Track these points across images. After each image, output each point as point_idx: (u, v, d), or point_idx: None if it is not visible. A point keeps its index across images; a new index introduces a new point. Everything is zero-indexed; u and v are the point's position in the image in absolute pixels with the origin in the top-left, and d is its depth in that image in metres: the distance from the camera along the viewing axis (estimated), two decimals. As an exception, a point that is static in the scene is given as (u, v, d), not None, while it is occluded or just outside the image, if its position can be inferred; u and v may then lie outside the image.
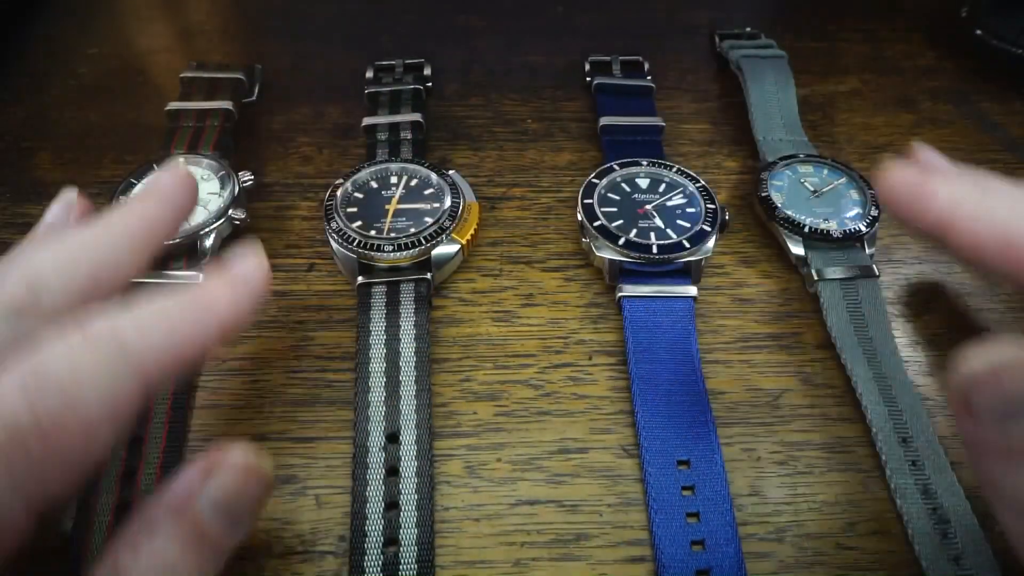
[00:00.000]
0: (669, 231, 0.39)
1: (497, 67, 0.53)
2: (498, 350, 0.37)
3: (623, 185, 0.41)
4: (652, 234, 0.39)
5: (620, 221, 0.39)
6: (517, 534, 0.31)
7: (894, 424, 0.34)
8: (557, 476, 0.33)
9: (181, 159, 0.41)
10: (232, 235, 0.40)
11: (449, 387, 0.36)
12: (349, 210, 0.40)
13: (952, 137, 0.48)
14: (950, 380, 0.23)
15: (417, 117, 0.45)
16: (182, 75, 0.47)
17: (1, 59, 0.52)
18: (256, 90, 0.49)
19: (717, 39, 0.53)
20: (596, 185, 0.41)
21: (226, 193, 0.40)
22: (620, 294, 0.38)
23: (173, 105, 0.45)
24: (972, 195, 0.27)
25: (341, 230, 0.38)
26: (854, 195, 0.41)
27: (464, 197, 0.41)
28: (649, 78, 0.50)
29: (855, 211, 0.40)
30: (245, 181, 0.41)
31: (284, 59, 0.53)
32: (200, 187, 0.38)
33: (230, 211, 0.39)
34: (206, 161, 0.41)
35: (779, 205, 0.40)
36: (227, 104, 0.45)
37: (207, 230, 0.38)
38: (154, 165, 0.41)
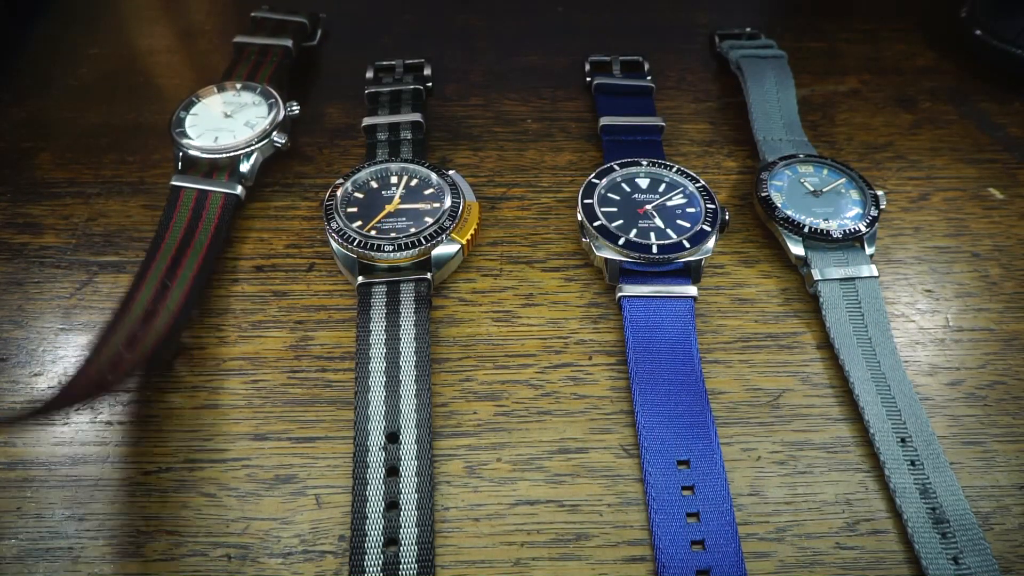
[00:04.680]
0: (669, 231, 0.39)
1: (497, 67, 0.53)
2: (498, 350, 0.37)
3: (623, 185, 0.41)
4: (652, 234, 0.39)
5: (620, 221, 0.39)
6: (517, 534, 0.31)
7: (892, 424, 0.34)
8: (557, 476, 0.33)
9: (238, 84, 0.46)
10: (273, 156, 0.44)
11: (449, 387, 0.36)
12: (349, 210, 0.40)
13: (952, 137, 0.48)
14: None
15: (417, 117, 0.45)
16: (253, 14, 0.51)
17: (2, 59, 0.52)
18: (318, 35, 0.52)
19: (717, 39, 0.53)
20: (596, 185, 0.41)
21: (271, 117, 0.44)
22: (620, 294, 0.38)
23: (239, 38, 0.49)
24: None
25: (341, 230, 0.38)
26: (854, 195, 0.41)
27: (464, 197, 0.41)
28: (649, 78, 0.50)
29: (855, 211, 0.40)
30: (292, 110, 0.44)
31: (284, 59, 0.53)
32: (251, 110, 0.45)
33: (273, 134, 0.43)
34: (260, 87, 0.45)
35: (779, 205, 0.40)
36: (287, 42, 0.49)
37: (249, 149, 0.42)
38: (214, 88, 0.45)
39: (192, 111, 0.45)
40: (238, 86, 0.46)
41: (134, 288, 0.37)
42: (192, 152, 0.42)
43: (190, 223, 0.40)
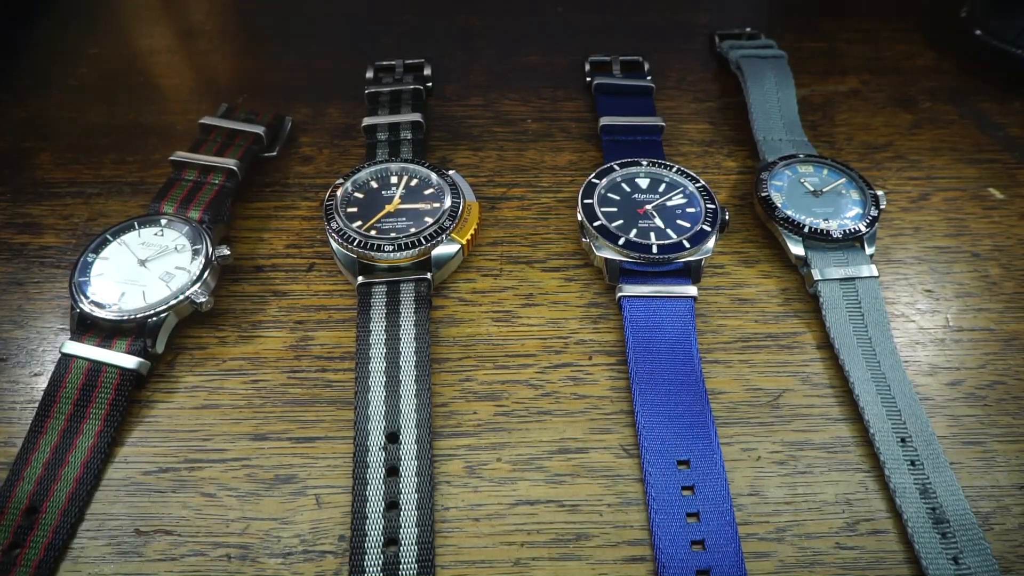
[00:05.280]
0: (669, 231, 0.39)
1: (497, 67, 0.53)
2: (498, 350, 0.37)
3: (623, 185, 0.41)
4: (652, 234, 0.39)
5: (620, 221, 0.39)
6: (517, 534, 0.31)
7: (892, 424, 0.34)
8: (557, 476, 0.33)
9: (164, 219, 0.39)
10: (192, 316, 0.37)
11: (449, 387, 0.36)
12: (349, 210, 0.40)
13: (952, 137, 0.48)
14: None
15: (417, 117, 0.45)
16: (202, 121, 0.44)
17: (3, 60, 0.52)
18: (278, 146, 0.46)
19: (717, 39, 0.53)
20: (596, 185, 0.41)
21: (194, 269, 0.37)
22: (620, 294, 0.38)
23: (178, 155, 0.42)
24: None
25: (341, 230, 0.38)
26: (854, 195, 0.41)
27: (464, 197, 0.41)
28: (649, 78, 0.50)
29: (855, 211, 0.40)
30: (221, 256, 0.37)
31: (284, 59, 0.53)
32: (171, 258, 0.37)
33: (191, 291, 0.36)
34: (187, 228, 0.39)
35: (779, 205, 0.40)
36: (232, 164, 0.42)
37: (160, 310, 0.35)
38: (135, 223, 0.39)
39: (102, 254, 0.38)
40: (163, 222, 0.39)
41: (16, 467, 0.32)
42: (87, 310, 0.35)
43: (79, 401, 0.34)
